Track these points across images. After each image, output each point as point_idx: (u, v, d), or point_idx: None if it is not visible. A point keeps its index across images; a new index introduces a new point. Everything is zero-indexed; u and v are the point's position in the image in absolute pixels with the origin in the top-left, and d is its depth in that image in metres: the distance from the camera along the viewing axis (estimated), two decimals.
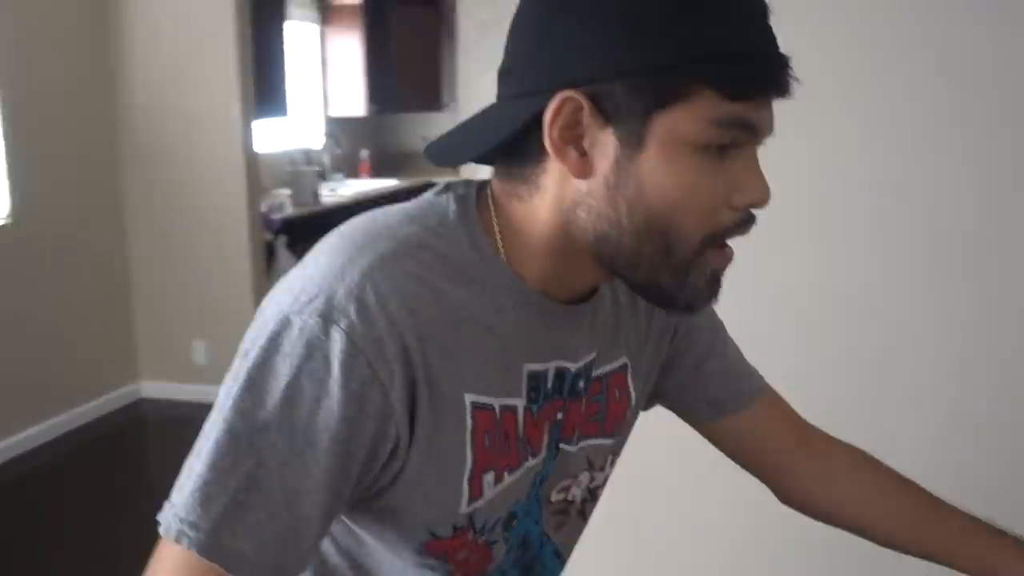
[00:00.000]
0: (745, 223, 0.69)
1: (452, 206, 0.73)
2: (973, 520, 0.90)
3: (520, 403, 0.74)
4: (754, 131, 0.67)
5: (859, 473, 0.95)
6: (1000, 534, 0.88)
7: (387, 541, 0.75)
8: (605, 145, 0.67)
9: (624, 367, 0.84)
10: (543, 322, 0.75)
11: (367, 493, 0.70)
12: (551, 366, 0.76)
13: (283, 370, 0.64)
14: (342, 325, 0.65)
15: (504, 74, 0.71)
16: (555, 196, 0.70)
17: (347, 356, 0.64)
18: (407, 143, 7.20)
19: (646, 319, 0.86)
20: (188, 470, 0.66)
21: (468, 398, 0.70)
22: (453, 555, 0.75)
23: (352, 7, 6.37)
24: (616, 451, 0.87)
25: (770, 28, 0.67)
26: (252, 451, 0.64)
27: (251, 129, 4.38)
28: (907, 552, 0.92)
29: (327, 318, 0.65)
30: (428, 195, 0.76)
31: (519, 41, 0.70)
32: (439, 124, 6.25)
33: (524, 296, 0.73)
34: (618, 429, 0.85)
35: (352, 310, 0.65)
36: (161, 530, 0.65)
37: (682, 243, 0.68)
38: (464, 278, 0.71)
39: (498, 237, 0.73)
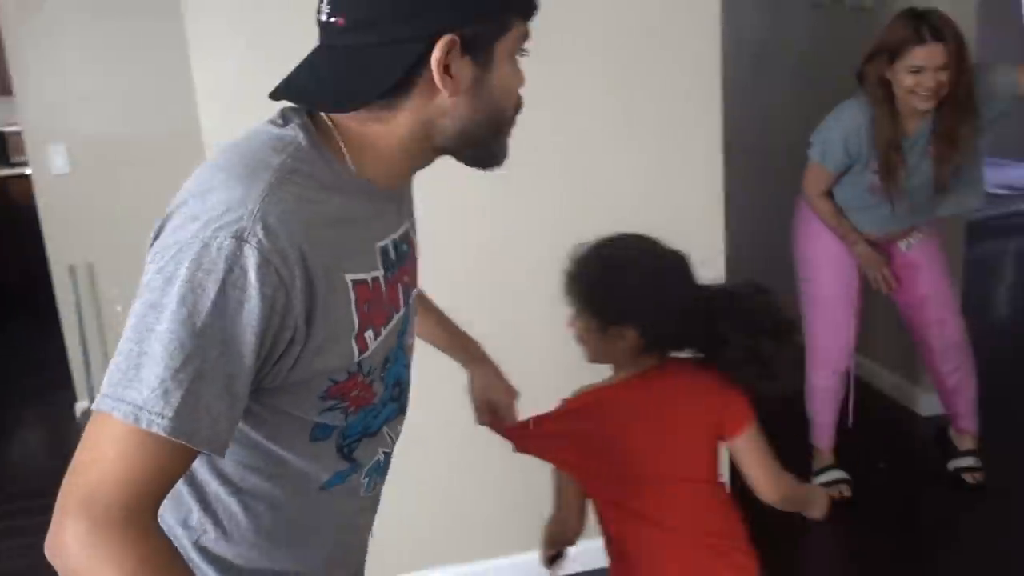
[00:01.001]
0: (521, 98, 1.01)
1: (301, 135, 0.92)
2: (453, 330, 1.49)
3: (380, 273, 0.97)
4: (527, 39, 0.97)
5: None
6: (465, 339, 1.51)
7: (291, 402, 0.93)
8: (465, 69, 0.92)
9: (412, 228, 1.12)
10: (382, 208, 1.00)
11: (281, 368, 0.89)
12: (389, 241, 1.00)
13: (210, 284, 0.81)
14: (253, 243, 0.83)
15: (365, 25, 0.89)
16: (416, 113, 0.93)
17: (260, 267, 0.82)
18: None
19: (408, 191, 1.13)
20: (132, 367, 0.81)
21: (348, 278, 0.92)
22: (347, 394, 0.96)
23: None
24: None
25: None
26: (197, 351, 0.81)
27: None
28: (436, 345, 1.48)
29: (239, 238, 0.82)
30: (271, 129, 0.94)
31: (382, 2, 0.89)
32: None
33: (371, 193, 0.97)
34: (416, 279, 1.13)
35: (259, 230, 0.83)
36: (119, 415, 0.80)
37: (506, 122, 1.00)
38: (328, 189, 0.91)
39: (346, 153, 0.94)
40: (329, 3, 0.91)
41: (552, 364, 2.48)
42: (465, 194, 2.34)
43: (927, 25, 2.42)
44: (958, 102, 2.46)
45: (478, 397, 1.50)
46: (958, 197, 2.72)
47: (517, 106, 1.01)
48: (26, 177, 4.28)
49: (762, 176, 3.91)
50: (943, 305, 2.86)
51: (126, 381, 0.81)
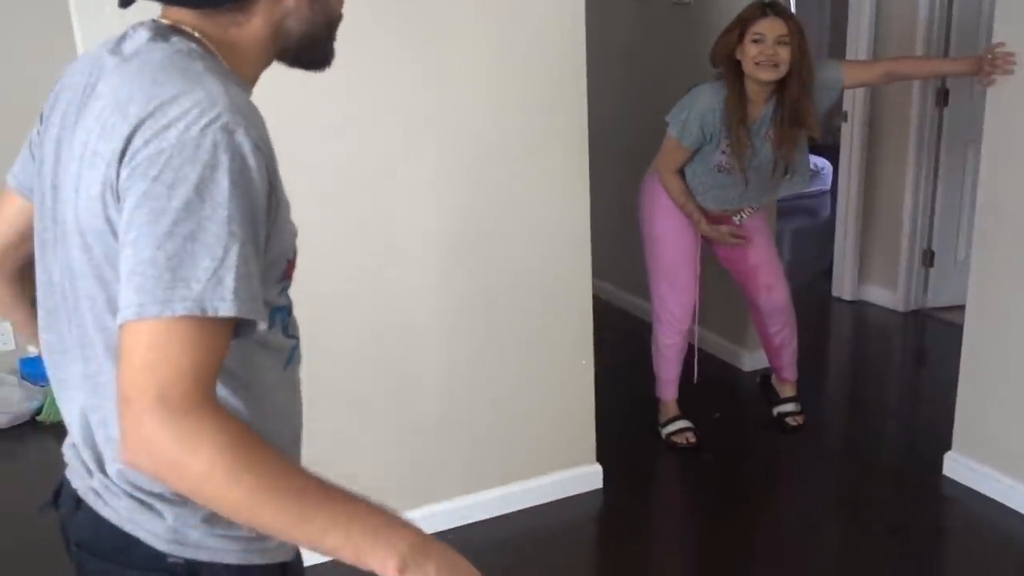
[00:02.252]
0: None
1: (192, 44, 0.99)
2: None
3: None
4: None
5: None
6: None
7: (264, 289, 0.97)
8: None
9: None
10: None
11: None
12: None
13: (220, 175, 0.88)
14: (240, 131, 0.91)
15: None
16: (268, 15, 1.02)
17: (253, 148, 0.91)
18: None
19: None
20: (168, 269, 0.86)
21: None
22: (291, 271, 1.06)
23: None
24: None
25: None
26: (234, 237, 0.88)
27: None
28: None
29: (228, 130, 0.90)
30: (160, 44, 0.98)
31: None
32: None
33: (247, 90, 1.05)
34: None
35: (239, 119, 0.92)
36: (181, 310, 0.85)
37: (336, 25, 1.10)
38: (238, 85, 0.99)
39: (219, 57, 1.01)
40: None
41: (436, 362, 2.64)
42: (348, 200, 2.44)
43: (770, 5, 2.81)
44: (800, 81, 2.78)
45: None
46: (790, 180, 3.06)
47: (341, 6, 1.13)
48: None
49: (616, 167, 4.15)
50: (771, 272, 3.21)
51: (165, 283, 0.86)
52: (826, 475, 3.15)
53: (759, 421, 3.43)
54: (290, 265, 1.05)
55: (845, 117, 4.55)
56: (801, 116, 2.82)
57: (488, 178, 2.62)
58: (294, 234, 1.04)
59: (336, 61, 1.13)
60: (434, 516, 2.72)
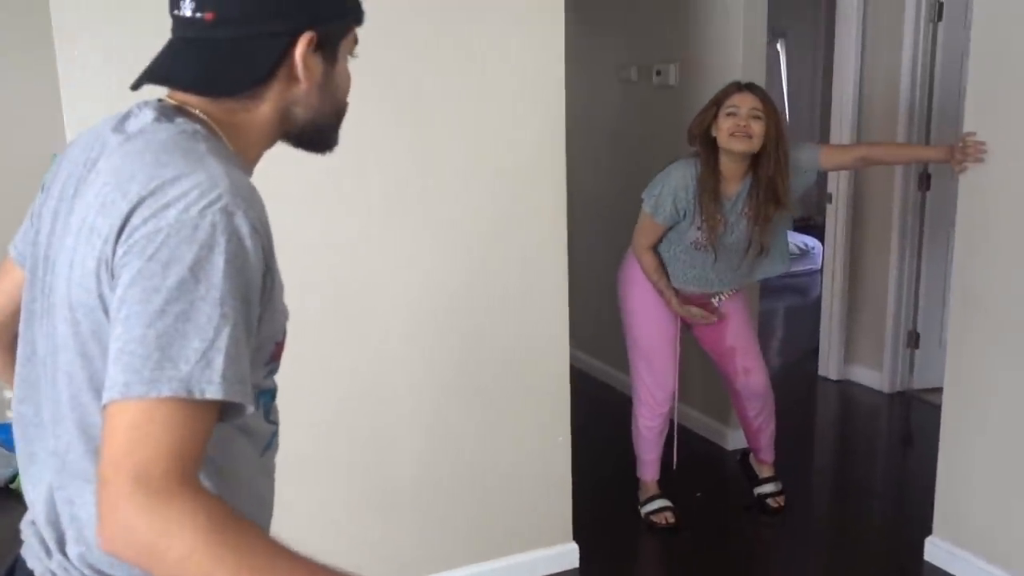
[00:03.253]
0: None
1: (196, 126, 1.01)
2: None
3: None
4: (357, 43, 1.13)
5: None
6: None
7: (252, 370, 0.97)
8: (317, 63, 1.06)
9: None
10: None
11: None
12: None
13: (216, 256, 0.89)
14: (239, 213, 0.92)
15: (237, 21, 1.01)
16: (277, 102, 1.06)
17: (251, 231, 0.92)
18: None
19: None
20: (156, 349, 0.86)
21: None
22: (280, 353, 1.07)
23: None
24: None
25: None
26: (225, 319, 0.88)
27: None
28: None
29: (227, 211, 0.91)
30: (164, 125, 1.00)
31: (247, 3, 1.02)
32: None
33: (248, 172, 1.07)
34: None
35: (240, 201, 0.92)
36: (166, 392, 0.85)
37: (343, 112, 1.14)
38: (240, 169, 1.00)
39: (225, 141, 1.03)
40: (192, 0, 1.01)
41: (410, 434, 2.63)
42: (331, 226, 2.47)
43: (746, 85, 2.89)
44: (775, 158, 2.82)
45: None
46: (769, 262, 3.09)
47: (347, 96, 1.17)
48: None
49: (597, 240, 4.19)
50: (747, 354, 3.20)
51: (153, 363, 0.85)
52: (807, 557, 3.10)
53: (741, 501, 3.39)
54: (278, 347, 1.04)
55: (830, 199, 4.61)
56: (776, 193, 2.86)
57: (466, 249, 2.65)
58: (286, 316, 1.05)
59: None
60: None
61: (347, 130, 1.14)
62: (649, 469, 3.28)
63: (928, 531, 2.95)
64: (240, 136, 1.04)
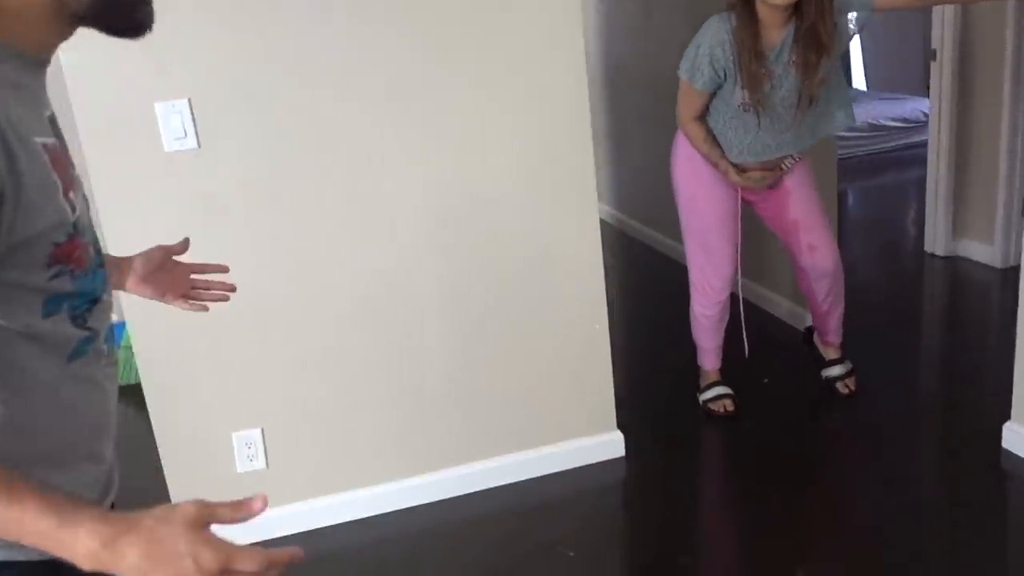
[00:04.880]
0: None
1: None
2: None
3: (55, 141, 0.99)
4: None
5: None
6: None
7: (20, 273, 0.93)
8: None
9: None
10: (38, 78, 1.01)
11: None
12: (51, 112, 1.03)
13: None
14: None
15: None
16: None
17: None
18: None
19: None
20: None
21: (37, 140, 0.93)
22: (71, 255, 0.99)
23: None
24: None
25: None
26: None
27: None
28: None
29: None
30: None
31: None
32: None
33: (26, 61, 0.97)
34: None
35: None
36: None
37: None
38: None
39: None
40: None
41: (443, 327, 2.60)
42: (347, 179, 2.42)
43: None
44: (815, 2, 2.51)
45: (149, 267, 1.44)
46: (828, 117, 2.80)
47: None
48: None
49: (651, 111, 3.99)
50: (814, 230, 2.94)
51: None
52: (878, 446, 2.90)
53: (811, 387, 3.22)
54: (60, 249, 0.97)
55: (934, 55, 4.17)
56: (818, 38, 2.55)
57: (490, 139, 2.53)
58: (62, 214, 0.96)
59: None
60: (447, 481, 2.72)
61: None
62: (709, 357, 3.15)
63: (1007, 416, 2.71)
64: (11, 18, 0.95)
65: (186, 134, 2.29)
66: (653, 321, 4.04)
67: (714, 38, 2.62)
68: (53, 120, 1.03)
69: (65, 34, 1.02)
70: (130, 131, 2.27)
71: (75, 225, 0.98)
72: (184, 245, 1.48)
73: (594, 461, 2.85)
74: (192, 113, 2.29)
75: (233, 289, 1.53)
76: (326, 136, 2.41)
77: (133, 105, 2.26)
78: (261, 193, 2.40)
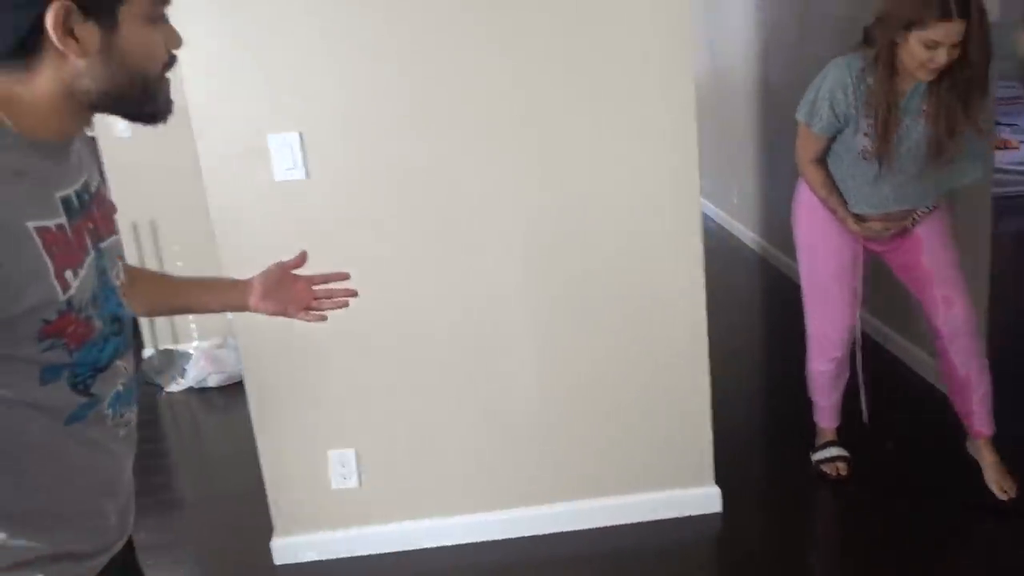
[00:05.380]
0: (174, 58, 1.09)
1: None
2: (198, 279, 1.53)
3: (63, 220, 1.04)
4: (167, 4, 1.07)
5: (139, 282, 1.37)
6: (208, 280, 1.55)
7: (8, 343, 0.98)
8: (90, 32, 0.99)
9: (99, 181, 1.19)
10: (56, 160, 1.06)
11: None
12: (71, 191, 1.08)
13: None
14: None
15: None
16: (54, 74, 1.00)
17: None
18: None
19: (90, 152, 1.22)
20: None
21: (31, 225, 0.99)
22: (64, 331, 1.03)
23: None
24: (121, 244, 1.23)
25: None
26: None
27: None
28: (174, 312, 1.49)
29: None
30: None
31: None
32: None
33: (38, 147, 1.03)
34: (115, 227, 1.21)
35: None
36: None
37: (152, 81, 1.07)
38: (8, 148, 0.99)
39: (1, 114, 0.99)
40: None
41: (536, 314, 2.58)
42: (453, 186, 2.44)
43: (957, 2, 2.25)
44: (976, 61, 2.32)
45: (268, 284, 1.52)
46: (956, 169, 2.57)
47: (165, 65, 1.08)
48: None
49: None
50: (946, 282, 2.68)
51: None
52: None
53: (945, 457, 2.93)
54: (51, 326, 1.02)
55: None
56: (980, 85, 2.37)
57: (589, 170, 2.49)
58: (51, 294, 1.01)
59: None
60: (532, 518, 2.72)
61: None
62: (825, 415, 2.97)
63: None
64: (23, 108, 1.01)
65: (295, 164, 2.39)
66: (767, 363, 3.87)
67: (836, 81, 2.47)
68: (71, 197, 1.07)
69: (82, 122, 1.08)
70: (245, 161, 2.39)
71: (69, 303, 1.02)
72: (301, 259, 1.56)
73: (686, 515, 2.76)
74: (302, 145, 2.38)
75: (355, 294, 1.60)
76: (428, 168, 2.45)
77: (249, 137, 2.38)
78: (364, 220, 2.47)
